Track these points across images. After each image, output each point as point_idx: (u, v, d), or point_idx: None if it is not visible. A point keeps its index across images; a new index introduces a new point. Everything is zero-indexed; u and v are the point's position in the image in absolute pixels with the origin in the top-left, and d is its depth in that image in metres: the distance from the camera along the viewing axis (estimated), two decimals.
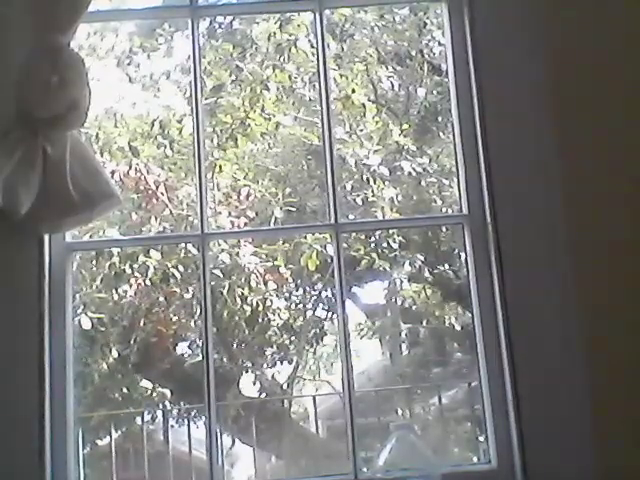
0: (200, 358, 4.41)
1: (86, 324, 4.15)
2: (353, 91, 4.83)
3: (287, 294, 5.06)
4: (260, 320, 4.66)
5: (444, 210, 4.98)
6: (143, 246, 4.20)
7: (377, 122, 5.02)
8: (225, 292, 4.44)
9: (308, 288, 5.22)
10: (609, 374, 1.49)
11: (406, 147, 4.99)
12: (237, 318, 4.58)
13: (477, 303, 1.63)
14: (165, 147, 4.71)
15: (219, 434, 4.11)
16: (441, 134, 5.36)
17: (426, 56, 5.41)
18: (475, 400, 4.48)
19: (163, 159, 4.74)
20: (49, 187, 1.50)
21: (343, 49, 5.25)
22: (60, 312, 1.58)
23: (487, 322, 1.61)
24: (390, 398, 5.04)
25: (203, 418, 4.31)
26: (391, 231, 4.70)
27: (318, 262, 4.48)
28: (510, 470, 1.54)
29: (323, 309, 5.25)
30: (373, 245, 4.84)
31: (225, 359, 4.75)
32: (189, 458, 4.20)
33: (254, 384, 5.01)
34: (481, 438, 4.28)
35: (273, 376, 5.11)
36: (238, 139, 4.65)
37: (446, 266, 5.20)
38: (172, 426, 4.65)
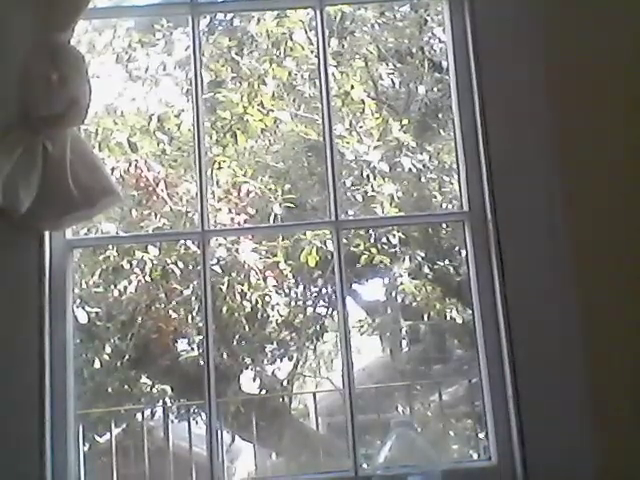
0: (200, 354, 4.41)
1: (83, 318, 4.13)
2: (352, 87, 4.82)
3: (287, 290, 5.05)
4: (260, 317, 4.66)
5: (444, 206, 4.98)
6: (144, 243, 4.19)
7: (377, 118, 5.01)
8: (225, 288, 4.44)
9: (308, 285, 5.22)
10: (609, 374, 1.49)
11: (406, 143, 4.98)
12: (237, 315, 4.57)
13: (477, 300, 1.63)
14: (164, 143, 4.70)
15: (219, 430, 4.09)
16: (441, 131, 5.36)
17: (427, 53, 5.40)
18: (475, 397, 4.48)
19: (162, 155, 4.73)
20: (50, 184, 1.50)
21: (343, 46, 5.24)
22: (60, 309, 1.58)
23: (487, 319, 1.61)
24: (390, 395, 5.05)
25: (203, 414, 4.31)
26: (391, 227, 4.70)
27: (318, 258, 4.47)
28: (510, 467, 1.54)
29: (323, 306, 5.26)
30: (373, 240, 4.83)
31: (225, 356, 4.75)
32: (189, 454, 4.20)
33: (254, 381, 5.00)
34: (481, 435, 4.29)
35: (273, 373, 5.11)
36: (237, 135, 4.64)
37: (446, 262, 5.20)
38: (172, 422, 4.65)
